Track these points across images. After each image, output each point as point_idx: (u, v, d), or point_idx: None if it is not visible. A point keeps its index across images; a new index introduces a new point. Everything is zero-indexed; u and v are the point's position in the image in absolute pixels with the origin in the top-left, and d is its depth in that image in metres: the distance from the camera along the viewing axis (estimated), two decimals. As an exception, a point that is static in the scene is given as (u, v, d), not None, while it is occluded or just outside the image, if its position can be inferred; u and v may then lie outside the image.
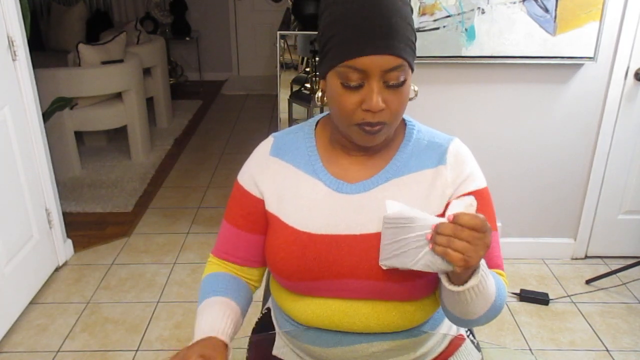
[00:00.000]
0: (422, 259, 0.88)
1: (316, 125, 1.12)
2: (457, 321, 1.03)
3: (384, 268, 0.97)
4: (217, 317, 1.01)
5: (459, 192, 1.03)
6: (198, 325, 1.01)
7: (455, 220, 0.83)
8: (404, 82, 0.94)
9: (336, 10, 0.93)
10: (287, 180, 1.07)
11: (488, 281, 0.93)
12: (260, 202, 1.10)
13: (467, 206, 0.86)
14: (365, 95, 0.93)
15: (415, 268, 0.89)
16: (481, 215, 0.84)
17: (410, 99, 1.06)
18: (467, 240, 0.82)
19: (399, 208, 0.93)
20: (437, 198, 1.03)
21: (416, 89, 1.04)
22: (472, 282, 0.89)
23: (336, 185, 1.05)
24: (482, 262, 0.91)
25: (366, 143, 0.99)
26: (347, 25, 0.91)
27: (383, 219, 0.95)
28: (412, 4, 2.27)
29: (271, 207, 1.08)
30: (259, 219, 1.10)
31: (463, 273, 0.87)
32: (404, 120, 1.10)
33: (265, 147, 1.12)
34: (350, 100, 0.94)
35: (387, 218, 0.95)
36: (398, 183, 1.04)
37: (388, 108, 0.94)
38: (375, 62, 0.90)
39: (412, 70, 0.96)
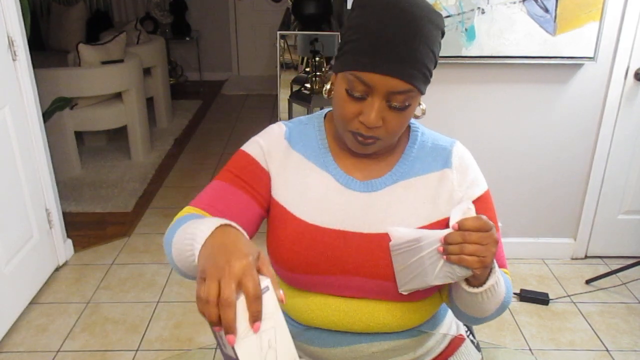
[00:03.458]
0: (441, 272, 0.91)
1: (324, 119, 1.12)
2: (467, 320, 1.05)
3: (405, 294, 0.98)
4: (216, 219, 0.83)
5: (468, 197, 1.04)
6: (195, 228, 0.82)
7: (461, 227, 0.87)
8: (407, 106, 0.94)
9: (364, 15, 0.91)
10: (296, 171, 1.06)
11: (500, 279, 0.96)
12: (266, 175, 1.06)
13: (465, 212, 0.90)
14: (365, 108, 0.93)
15: (436, 283, 0.92)
16: (483, 216, 0.87)
17: (417, 118, 1.06)
18: (478, 242, 0.86)
19: (402, 233, 0.96)
20: (445, 201, 1.04)
21: (424, 107, 1.03)
22: (491, 281, 0.92)
23: (346, 181, 1.04)
24: (494, 262, 0.93)
25: (357, 150, 1.00)
26: (368, 36, 0.89)
27: (390, 247, 0.98)
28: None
29: (277, 194, 1.06)
30: (258, 186, 1.05)
31: (482, 274, 0.90)
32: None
33: (279, 130, 1.10)
34: (350, 108, 0.94)
35: (394, 245, 0.97)
36: (405, 185, 1.04)
37: (384, 126, 0.95)
38: (382, 81, 0.90)
39: (423, 93, 0.96)
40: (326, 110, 1.13)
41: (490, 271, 0.92)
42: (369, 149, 0.99)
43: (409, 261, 0.95)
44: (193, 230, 0.83)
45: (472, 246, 0.86)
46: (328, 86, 1.02)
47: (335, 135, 1.08)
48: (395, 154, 1.07)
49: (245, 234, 0.80)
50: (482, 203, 1.04)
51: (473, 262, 0.86)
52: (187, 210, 1.03)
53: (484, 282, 0.92)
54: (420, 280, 0.94)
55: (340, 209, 1.03)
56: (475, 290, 0.93)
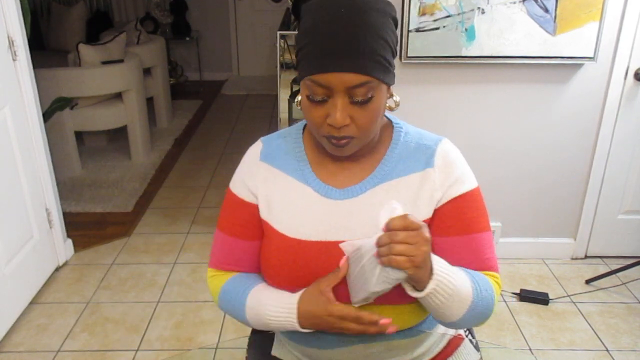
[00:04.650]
0: (380, 278, 0.88)
1: (303, 129, 1.11)
2: (443, 324, 1.03)
3: (357, 306, 0.96)
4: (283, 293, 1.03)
5: (448, 195, 1.02)
6: (275, 317, 1.02)
7: (387, 227, 0.86)
8: (371, 98, 0.92)
9: (309, 19, 0.92)
10: (276, 187, 1.07)
11: (455, 282, 0.93)
12: (255, 208, 1.08)
13: (392, 211, 0.88)
14: (329, 109, 0.93)
15: (377, 289, 0.90)
16: (409, 215, 0.86)
17: (392, 110, 1.05)
18: (405, 242, 0.85)
19: (349, 245, 0.94)
20: (425, 202, 1.02)
21: (397, 99, 1.03)
22: (430, 286, 0.90)
23: (325, 191, 1.04)
24: (439, 264, 0.92)
25: (337, 153, 0.99)
26: (314, 39, 0.90)
27: (341, 262, 0.96)
28: (412, 4, 2.27)
29: (263, 213, 1.08)
30: (257, 225, 1.09)
31: (419, 274, 0.88)
32: (391, 122, 1.09)
33: (254, 152, 1.11)
34: (316, 113, 0.94)
35: (346, 259, 0.96)
36: (386, 188, 1.03)
37: (354, 123, 0.93)
38: (338, 79, 0.89)
39: (388, 84, 0.95)
40: (305, 121, 1.12)
41: (431, 274, 0.90)
42: (346, 151, 0.98)
43: (354, 272, 0.93)
44: (276, 315, 1.02)
45: (399, 246, 0.84)
46: (299, 97, 1.01)
47: (315, 144, 1.08)
48: (377, 156, 1.05)
49: (299, 293, 1.00)
50: (467, 201, 1.02)
51: (402, 261, 0.84)
52: (215, 278, 1.14)
53: (425, 287, 0.90)
54: (365, 290, 0.91)
55: (321, 219, 1.03)
56: (417, 294, 0.91)
